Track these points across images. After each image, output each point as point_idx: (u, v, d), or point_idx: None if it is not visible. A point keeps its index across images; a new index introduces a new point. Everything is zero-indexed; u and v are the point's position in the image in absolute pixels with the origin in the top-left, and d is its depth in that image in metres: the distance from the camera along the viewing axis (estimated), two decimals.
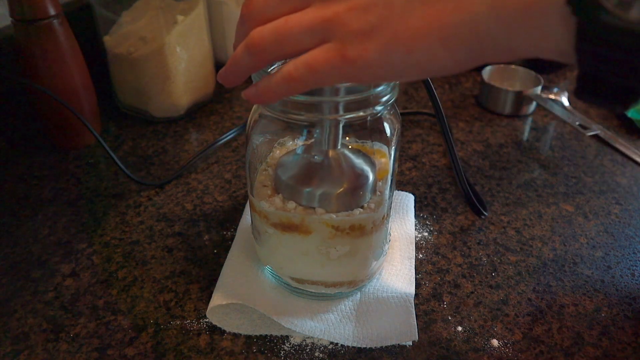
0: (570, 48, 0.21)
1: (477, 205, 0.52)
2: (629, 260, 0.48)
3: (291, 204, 0.38)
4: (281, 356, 0.39)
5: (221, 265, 0.45)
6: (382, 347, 0.39)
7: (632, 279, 0.46)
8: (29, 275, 0.46)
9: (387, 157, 0.39)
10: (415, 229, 0.51)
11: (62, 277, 0.45)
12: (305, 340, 0.40)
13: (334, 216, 0.37)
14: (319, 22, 0.26)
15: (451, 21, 0.24)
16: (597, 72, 0.22)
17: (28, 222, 0.52)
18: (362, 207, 0.38)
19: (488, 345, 0.40)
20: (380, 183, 0.39)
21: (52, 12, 0.54)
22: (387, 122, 0.38)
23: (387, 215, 0.41)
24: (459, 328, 0.41)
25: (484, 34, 0.24)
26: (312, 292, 0.42)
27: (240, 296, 0.41)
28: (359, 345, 0.39)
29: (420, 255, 0.48)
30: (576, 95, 0.23)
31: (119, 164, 0.56)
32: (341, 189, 0.37)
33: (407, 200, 0.53)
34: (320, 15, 0.26)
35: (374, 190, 0.39)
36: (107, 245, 0.49)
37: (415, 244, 0.49)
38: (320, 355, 0.39)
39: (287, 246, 0.39)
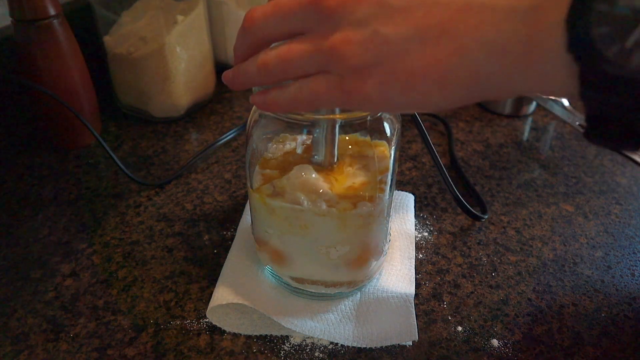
0: (575, 91, 0.21)
1: (472, 210, 0.51)
2: (629, 260, 0.48)
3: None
4: (281, 356, 0.39)
5: (221, 265, 0.45)
6: (382, 347, 0.39)
7: (632, 279, 0.46)
8: (29, 275, 0.46)
9: (386, 146, 0.39)
10: (415, 229, 0.51)
11: (62, 277, 0.45)
12: (305, 340, 0.40)
13: (334, 210, 0.37)
14: (317, 54, 0.27)
15: (449, 65, 0.24)
16: (604, 115, 0.22)
17: (28, 222, 0.52)
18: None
19: (488, 345, 0.40)
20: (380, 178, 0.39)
21: (52, 12, 0.54)
22: (387, 122, 0.38)
23: (387, 215, 0.41)
24: (459, 328, 0.41)
25: (483, 77, 0.24)
26: (312, 292, 0.42)
27: (240, 296, 0.41)
28: (359, 345, 0.39)
29: (420, 255, 0.48)
30: (586, 136, 0.23)
31: (119, 164, 0.56)
32: None
33: (407, 200, 0.53)
34: (318, 47, 0.27)
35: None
36: (107, 245, 0.49)
37: (415, 244, 0.49)
38: (320, 355, 0.39)
39: (287, 246, 0.39)
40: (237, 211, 0.53)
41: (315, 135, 0.37)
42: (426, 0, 0.24)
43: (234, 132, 0.65)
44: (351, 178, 0.38)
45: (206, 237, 0.50)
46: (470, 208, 0.51)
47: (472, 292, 0.44)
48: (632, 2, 0.19)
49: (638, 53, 0.19)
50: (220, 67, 0.76)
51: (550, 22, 0.21)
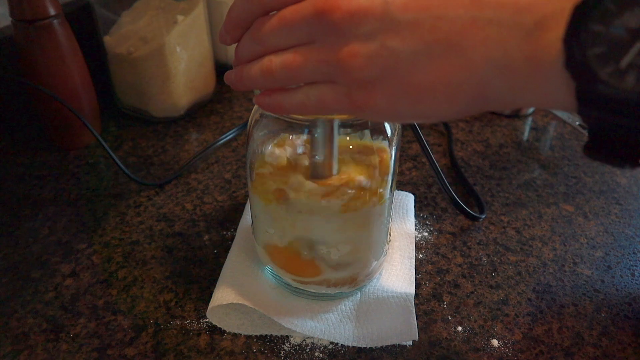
0: (574, 108, 0.22)
1: (468, 210, 0.51)
2: (629, 260, 0.48)
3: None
4: (281, 356, 0.39)
5: (221, 265, 0.45)
6: (382, 347, 0.39)
7: (632, 279, 0.46)
8: (29, 275, 0.46)
9: (387, 152, 0.39)
10: (415, 228, 0.51)
11: (62, 277, 0.45)
12: (305, 340, 0.40)
13: (335, 211, 0.37)
14: (324, 65, 0.27)
15: (457, 79, 0.24)
16: (602, 130, 0.22)
17: (28, 222, 0.52)
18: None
19: (488, 345, 0.40)
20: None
21: (52, 12, 0.54)
22: (388, 122, 0.38)
23: (388, 215, 0.41)
24: (459, 328, 0.41)
25: (489, 91, 0.24)
26: (312, 292, 0.42)
27: (240, 296, 0.41)
28: (359, 345, 0.39)
29: (420, 255, 0.48)
30: (585, 151, 0.23)
31: (119, 164, 0.56)
32: None
33: (407, 200, 0.53)
34: (324, 58, 0.27)
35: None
36: (107, 245, 0.49)
37: (415, 244, 0.49)
38: (320, 355, 0.39)
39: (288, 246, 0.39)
40: (237, 211, 0.53)
41: (315, 135, 0.37)
42: (432, 14, 0.24)
43: (234, 132, 0.65)
44: (352, 179, 0.38)
45: (206, 237, 0.50)
46: (467, 208, 0.51)
47: (472, 292, 0.44)
48: (627, 23, 0.19)
49: (632, 74, 0.19)
50: (220, 67, 0.76)
51: (550, 40, 0.21)
